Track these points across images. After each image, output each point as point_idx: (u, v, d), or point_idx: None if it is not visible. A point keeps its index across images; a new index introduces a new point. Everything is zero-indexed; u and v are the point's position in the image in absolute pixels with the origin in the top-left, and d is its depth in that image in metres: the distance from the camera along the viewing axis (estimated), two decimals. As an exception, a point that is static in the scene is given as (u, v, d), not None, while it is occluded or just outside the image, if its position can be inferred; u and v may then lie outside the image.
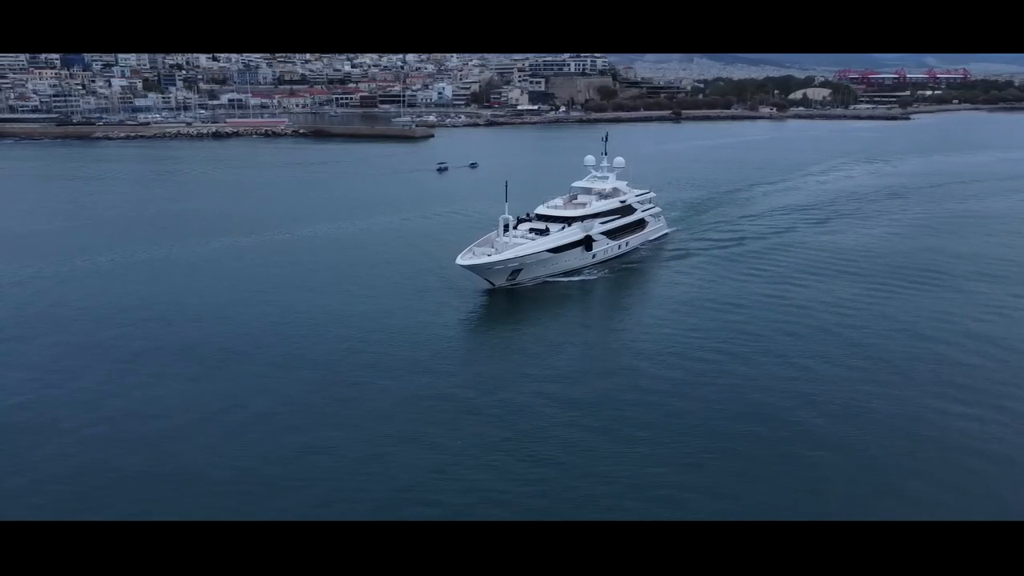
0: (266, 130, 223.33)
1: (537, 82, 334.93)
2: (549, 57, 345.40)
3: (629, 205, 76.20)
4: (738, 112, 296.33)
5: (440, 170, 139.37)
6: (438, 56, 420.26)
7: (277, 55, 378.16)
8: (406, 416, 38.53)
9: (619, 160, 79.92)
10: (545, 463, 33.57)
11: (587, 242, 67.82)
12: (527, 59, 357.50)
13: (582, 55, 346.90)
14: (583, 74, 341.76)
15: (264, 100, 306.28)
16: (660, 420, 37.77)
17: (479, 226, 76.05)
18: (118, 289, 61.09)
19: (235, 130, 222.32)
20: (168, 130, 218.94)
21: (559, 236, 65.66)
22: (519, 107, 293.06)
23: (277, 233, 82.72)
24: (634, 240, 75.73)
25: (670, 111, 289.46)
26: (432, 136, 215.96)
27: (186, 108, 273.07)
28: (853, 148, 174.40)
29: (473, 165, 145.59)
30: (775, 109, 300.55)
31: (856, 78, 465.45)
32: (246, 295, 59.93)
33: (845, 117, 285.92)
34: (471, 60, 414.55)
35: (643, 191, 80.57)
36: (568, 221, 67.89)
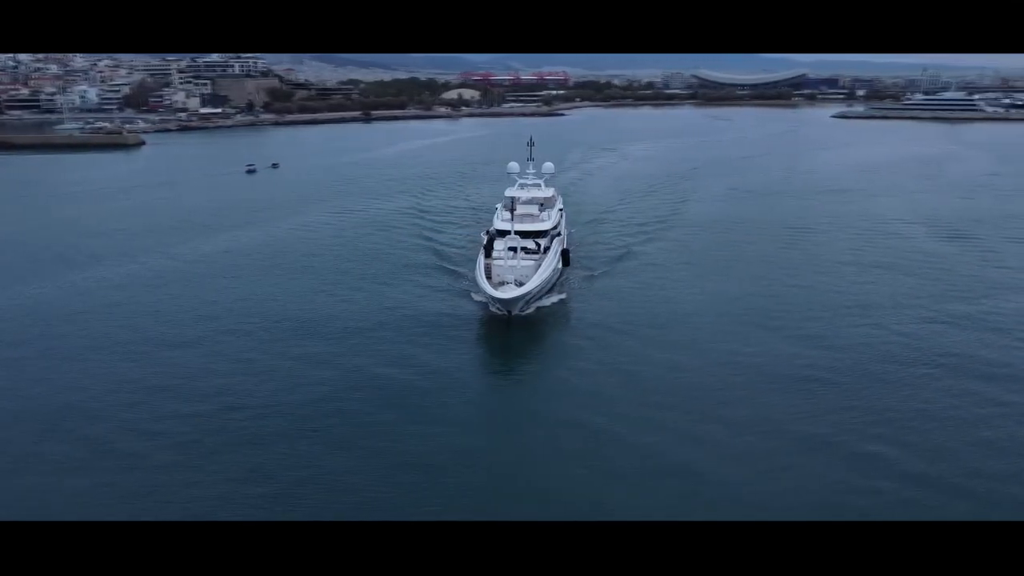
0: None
1: (203, 84, 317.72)
2: (206, 58, 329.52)
3: (562, 213, 72.39)
4: (418, 112, 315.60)
5: (249, 172, 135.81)
6: (58, 56, 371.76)
7: None
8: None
9: (548, 165, 76.42)
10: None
11: (566, 256, 63.03)
12: (182, 59, 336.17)
13: (243, 56, 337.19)
14: (248, 75, 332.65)
15: None
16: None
17: (389, 231, 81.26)
18: None
19: None
20: None
21: (553, 253, 59.76)
22: (201, 110, 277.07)
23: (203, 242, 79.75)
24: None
25: (360, 112, 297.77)
26: (144, 143, 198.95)
27: None
28: (568, 140, 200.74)
29: (275, 166, 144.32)
30: (450, 108, 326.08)
31: (480, 80, 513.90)
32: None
33: (512, 114, 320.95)
34: (102, 60, 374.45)
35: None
36: (552, 236, 62.67)
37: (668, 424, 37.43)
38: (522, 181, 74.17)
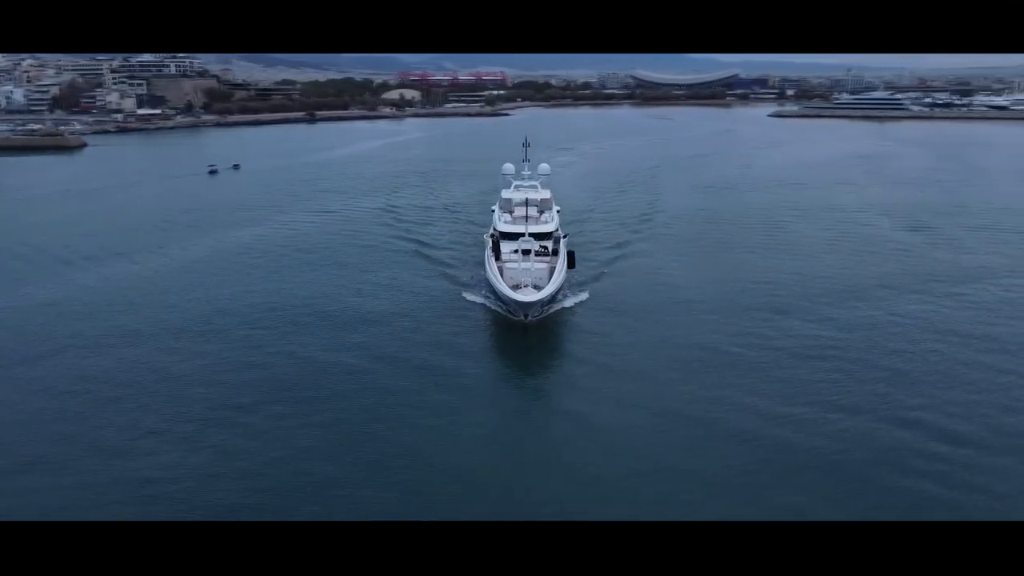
0: None
1: (138, 84, 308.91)
2: (140, 57, 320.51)
3: (559, 214, 71.15)
4: (363, 112, 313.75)
5: (211, 172, 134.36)
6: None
7: None
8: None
9: (544, 167, 75.11)
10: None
11: (572, 257, 59.95)
12: (114, 59, 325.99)
13: (179, 55, 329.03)
14: (185, 76, 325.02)
15: None
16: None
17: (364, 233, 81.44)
18: None
19: None
20: None
21: (562, 255, 58.00)
22: (138, 111, 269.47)
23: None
24: None
25: (303, 112, 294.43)
26: (86, 145, 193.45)
27: None
28: (521, 140, 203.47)
29: (236, 167, 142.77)
30: (395, 109, 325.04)
31: (418, 80, 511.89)
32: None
33: (456, 114, 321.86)
34: (25, 59, 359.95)
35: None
36: (556, 238, 61.14)
37: (721, 398, 40.08)
38: (518, 183, 72.43)
